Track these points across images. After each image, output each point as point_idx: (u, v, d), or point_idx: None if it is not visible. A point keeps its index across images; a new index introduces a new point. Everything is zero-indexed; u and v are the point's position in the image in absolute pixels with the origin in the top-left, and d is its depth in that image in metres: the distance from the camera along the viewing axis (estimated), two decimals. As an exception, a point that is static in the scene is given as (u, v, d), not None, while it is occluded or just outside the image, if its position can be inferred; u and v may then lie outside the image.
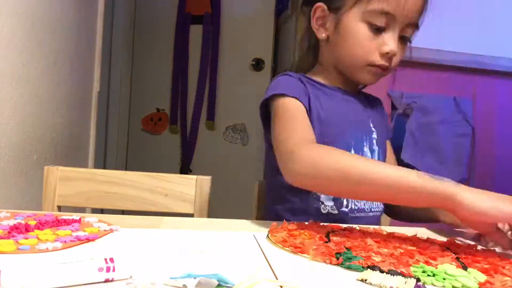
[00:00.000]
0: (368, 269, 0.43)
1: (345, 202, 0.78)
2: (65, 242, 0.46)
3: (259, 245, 0.52)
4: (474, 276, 0.43)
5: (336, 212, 0.78)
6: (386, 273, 0.42)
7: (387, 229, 0.65)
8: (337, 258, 0.46)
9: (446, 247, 0.54)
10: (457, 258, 0.49)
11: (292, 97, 0.76)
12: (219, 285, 0.36)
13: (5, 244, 0.43)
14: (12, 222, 0.53)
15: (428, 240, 0.58)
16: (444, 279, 0.42)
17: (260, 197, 0.94)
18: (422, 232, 0.67)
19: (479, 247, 0.57)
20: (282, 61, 2.48)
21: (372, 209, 0.81)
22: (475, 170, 1.61)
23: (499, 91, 1.63)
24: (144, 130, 2.57)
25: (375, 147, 0.85)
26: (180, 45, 2.53)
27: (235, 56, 2.53)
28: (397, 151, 1.54)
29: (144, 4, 2.52)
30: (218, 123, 2.56)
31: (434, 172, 1.61)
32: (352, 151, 0.80)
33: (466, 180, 1.60)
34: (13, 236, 0.47)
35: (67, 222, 0.55)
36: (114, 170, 0.92)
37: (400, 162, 1.53)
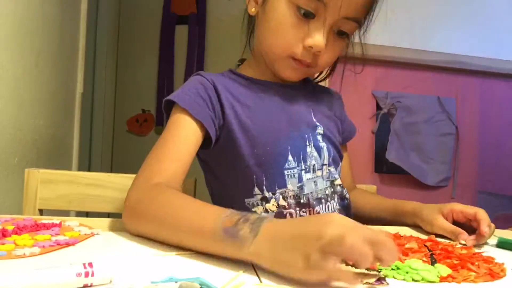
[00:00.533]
0: None
1: (286, 213, 0.67)
2: (43, 247, 0.45)
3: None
4: (439, 270, 0.44)
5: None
6: (351, 266, 0.42)
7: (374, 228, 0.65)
8: None
9: (424, 244, 0.54)
10: (431, 255, 0.49)
11: (189, 114, 0.65)
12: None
13: (-20, 250, 0.42)
14: (-11, 227, 0.52)
15: (407, 237, 0.58)
16: (407, 272, 0.43)
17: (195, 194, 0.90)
18: (407, 230, 0.67)
19: (459, 245, 0.58)
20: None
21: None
22: (458, 168, 1.63)
23: (482, 91, 1.65)
24: (130, 131, 2.54)
25: (322, 143, 0.74)
26: (165, 45, 2.51)
27: (221, 57, 2.52)
28: (382, 150, 1.55)
29: (129, 4, 2.49)
30: (204, 124, 2.55)
31: (418, 170, 1.61)
32: (290, 157, 0.69)
33: (450, 178, 1.62)
34: (-11, 242, 0.45)
35: (46, 227, 0.54)
36: (98, 172, 0.90)
37: (384, 162, 1.55)
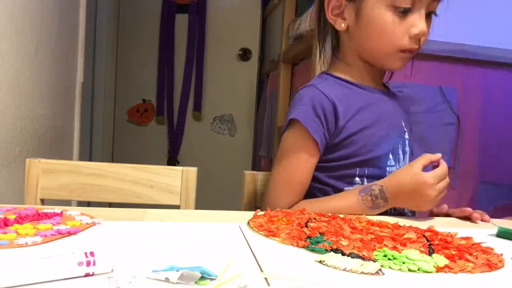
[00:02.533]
0: (331, 252, 0.44)
1: None
2: (45, 236, 0.45)
3: (244, 235, 0.52)
4: (436, 261, 0.44)
5: None
6: (347, 255, 0.42)
7: (374, 218, 0.65)
8: (306, 242, 0.48)
9: (423, 235, 0.54)
10: (429, 245, 0.50)
11: (308, 129, 0.74)
12: (202, 277, 0.36)
13: (-18, 239, 0.42)
14: (-9, 216, 0.52)
15: (406, 228, 0.58)
16: (403, 263, 0.43)
17: (250, 188, 0.93)
18: (406, 221, 0.68)
19: (459, 235, 0.58)
20: (269, 50, 2.46)
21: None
22: (459, 159, 1.63)
23: (484, 81, 1.64)
24: (130, 121, 2.54)
25: (407, 149, 0.82)
26: (165, 34, 2.49)
27: (221, 46, 2.51)
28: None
29: (129, -7, 2.47)
30: (205, 113, 2.54)
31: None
32: (391, 157, 0.79)
33: (451, 169, 1.61)
34: (-9, 231, 0.46)
35: (48, 216, 0.54)
36: (99, 162, 0.90)
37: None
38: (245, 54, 2.51)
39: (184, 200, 0.89)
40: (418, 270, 0.42)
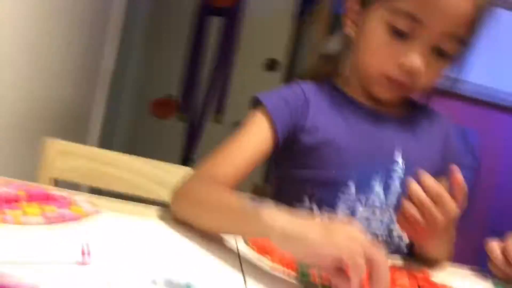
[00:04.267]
0: (319, 286, 0.44)
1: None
2: (48, 218, 0.47)
3: (238, 251, 0.52)
4: None
5: None
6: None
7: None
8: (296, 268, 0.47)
9: (418, 286, 0.52)
10: None
11: (270, 115, 0.66)
12: None
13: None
14: (3, 190, 0.54)
15: (402, 272, 0.56)
16: None
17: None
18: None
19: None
20: (299, 64, 2.48)
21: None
22: (475, 203, 1.59)
23: (507, 126, 1.61)
24: (152, 114, 2.58)
25: (395, 182, 0.68)
26: (198, 34, 2.54)
27: (250, 53, 2.54)
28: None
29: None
30: (226, 117, 2.57)
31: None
32: (353, 188, 0.66)
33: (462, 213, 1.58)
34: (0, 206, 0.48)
35: (55, 198, 0.56)
36: (116, 151, 0.92)
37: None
38: (272, 64, 2.52)
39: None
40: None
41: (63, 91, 1.23)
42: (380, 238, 0.67)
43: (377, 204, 0.67)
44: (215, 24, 2.53)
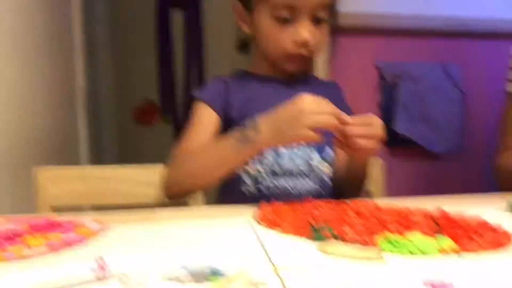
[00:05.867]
0: (332, 239, 0.45)
1: (261, 181, 0.80)
2: (52, 245, 0.46)
3: (253, 229, 0.52)
4: (440, 242, 0.43)
5: (256, 192, 0.79)
6: (347, 242, 0.43)
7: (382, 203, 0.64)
8: (309, 230, 0.48)
9: (431, 216, 0.53)
10: (435, 224, 0.49)
11: (207, 103, 0.83)
12: (212, 275, 0.36)
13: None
14: (4, 227, 0.53)
15: (415, 210, 0.57)
16: (405, 246, 0.42)
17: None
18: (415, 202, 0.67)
19: (467, 213, 0.56)
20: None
21: (297, 188, 0.80)
22: (467, 135, 1.61)
23: (487, 54, 1.62)
24: (137, 121, 2.55)
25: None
26: (161, 30, 2.48)
27: (220, 38, 2.50)
28: (388, 122, 1.54)
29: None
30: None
31: (427, 140, 1.59)
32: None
33: (459, 146, 1.60)
34: (1, 245, 0.46)
35: (60, 224, 0.55)
36: (109, 164, 0.91)
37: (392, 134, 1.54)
38: (244, 46, 2.49)
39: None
40: (419, 252, 0.42)
41: (42, 118, 1.20)
42: (304, 172, 0.82)
43: (295, 144, 0.82)
44: (177, 16, 2.46)
